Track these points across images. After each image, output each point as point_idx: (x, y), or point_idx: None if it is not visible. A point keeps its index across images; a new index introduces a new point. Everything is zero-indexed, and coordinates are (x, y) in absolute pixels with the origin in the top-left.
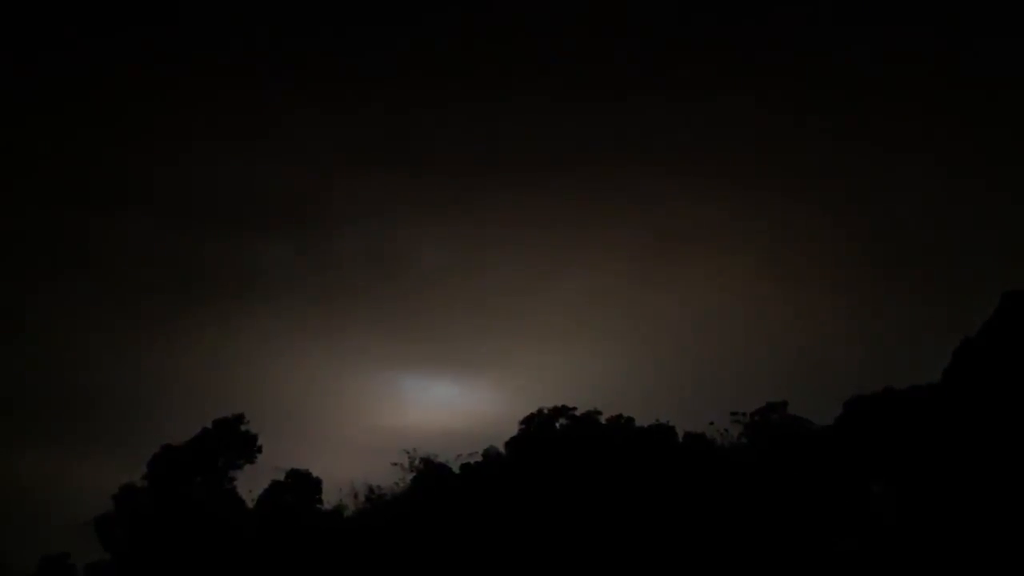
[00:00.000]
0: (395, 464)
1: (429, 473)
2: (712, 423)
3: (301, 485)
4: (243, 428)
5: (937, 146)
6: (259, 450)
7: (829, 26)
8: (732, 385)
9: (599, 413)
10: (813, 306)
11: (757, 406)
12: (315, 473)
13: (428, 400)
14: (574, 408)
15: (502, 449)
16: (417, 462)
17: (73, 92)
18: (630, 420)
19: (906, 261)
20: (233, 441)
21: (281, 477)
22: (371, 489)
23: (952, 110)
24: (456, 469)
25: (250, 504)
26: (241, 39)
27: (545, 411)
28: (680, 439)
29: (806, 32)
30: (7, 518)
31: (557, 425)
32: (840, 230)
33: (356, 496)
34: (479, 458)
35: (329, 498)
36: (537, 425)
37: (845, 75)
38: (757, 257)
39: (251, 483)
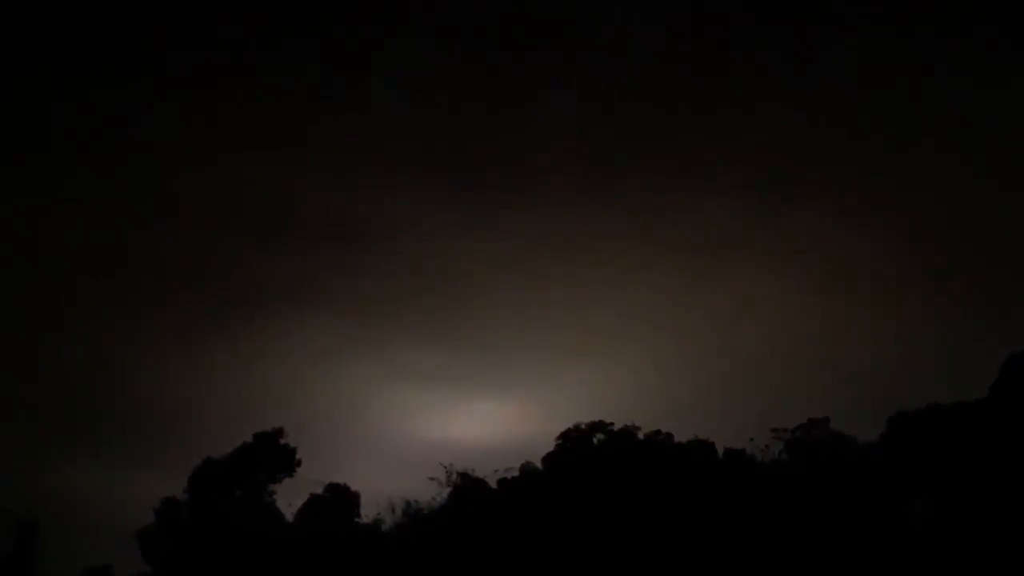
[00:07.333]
0: (432, 478)
1: (466, 488)
2: (752, 439)
3: (339, 499)
4: (283, 442)
5: (987, 156)
6: (298, 464)
7: (873, 28)
8: (772, 401)
9: (637, 428)
10: (856, 320)
11: (798, 422)
12: (353, 487)
13: (465, 414)
14: (611, 423)
15: (539, 465)
16: (454, 477)
17: (106, 100)
18: (669, 435)
19: (952, 274)
20: (273, 455)
21: (320, 490)
22: (408, 503)
23: (1002, 120)
24: (493, 484)
25: (289, 518)
26: (275, 48)
27: (582, 426)
28: (720, 455)
29: (849, 35)
30: (51, 530)
31: (594, 440)
32: (885, 242)
33: (393, 510)
34: (516, 473)
35: (367, 512)
36: (574, 440)
37: (885, 79)
38: (797, 270)
39: (290, 496)
